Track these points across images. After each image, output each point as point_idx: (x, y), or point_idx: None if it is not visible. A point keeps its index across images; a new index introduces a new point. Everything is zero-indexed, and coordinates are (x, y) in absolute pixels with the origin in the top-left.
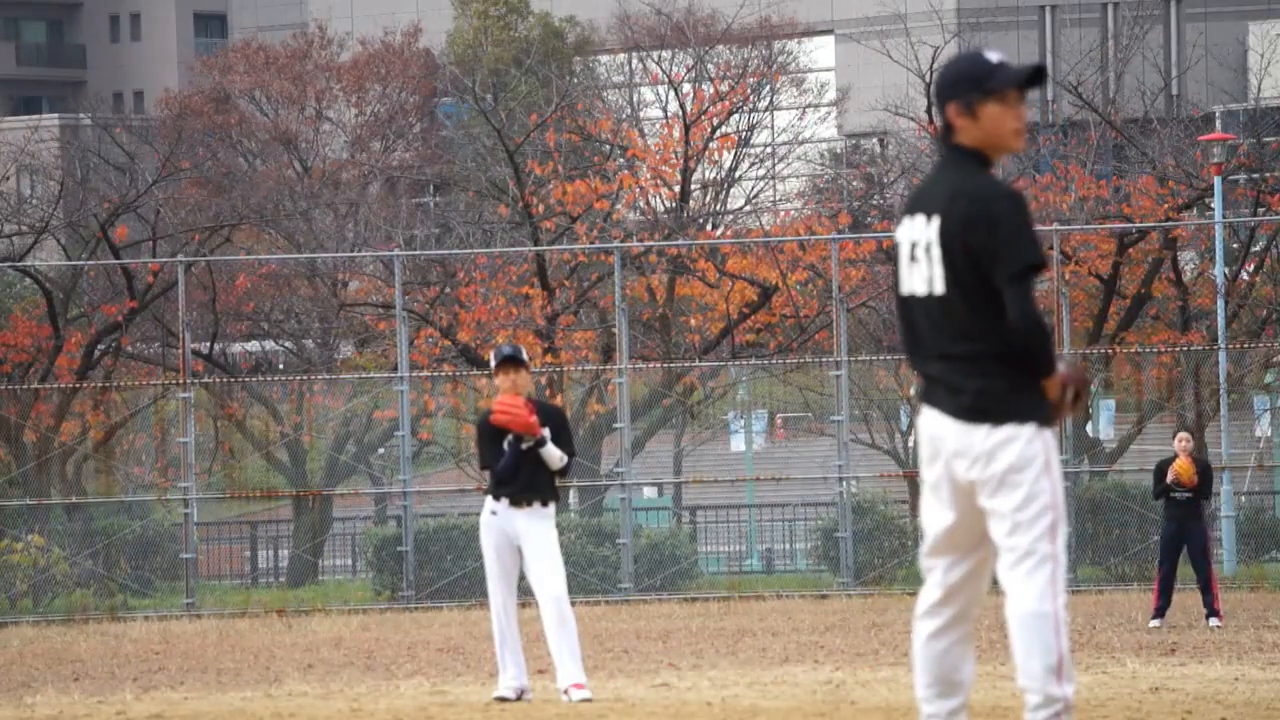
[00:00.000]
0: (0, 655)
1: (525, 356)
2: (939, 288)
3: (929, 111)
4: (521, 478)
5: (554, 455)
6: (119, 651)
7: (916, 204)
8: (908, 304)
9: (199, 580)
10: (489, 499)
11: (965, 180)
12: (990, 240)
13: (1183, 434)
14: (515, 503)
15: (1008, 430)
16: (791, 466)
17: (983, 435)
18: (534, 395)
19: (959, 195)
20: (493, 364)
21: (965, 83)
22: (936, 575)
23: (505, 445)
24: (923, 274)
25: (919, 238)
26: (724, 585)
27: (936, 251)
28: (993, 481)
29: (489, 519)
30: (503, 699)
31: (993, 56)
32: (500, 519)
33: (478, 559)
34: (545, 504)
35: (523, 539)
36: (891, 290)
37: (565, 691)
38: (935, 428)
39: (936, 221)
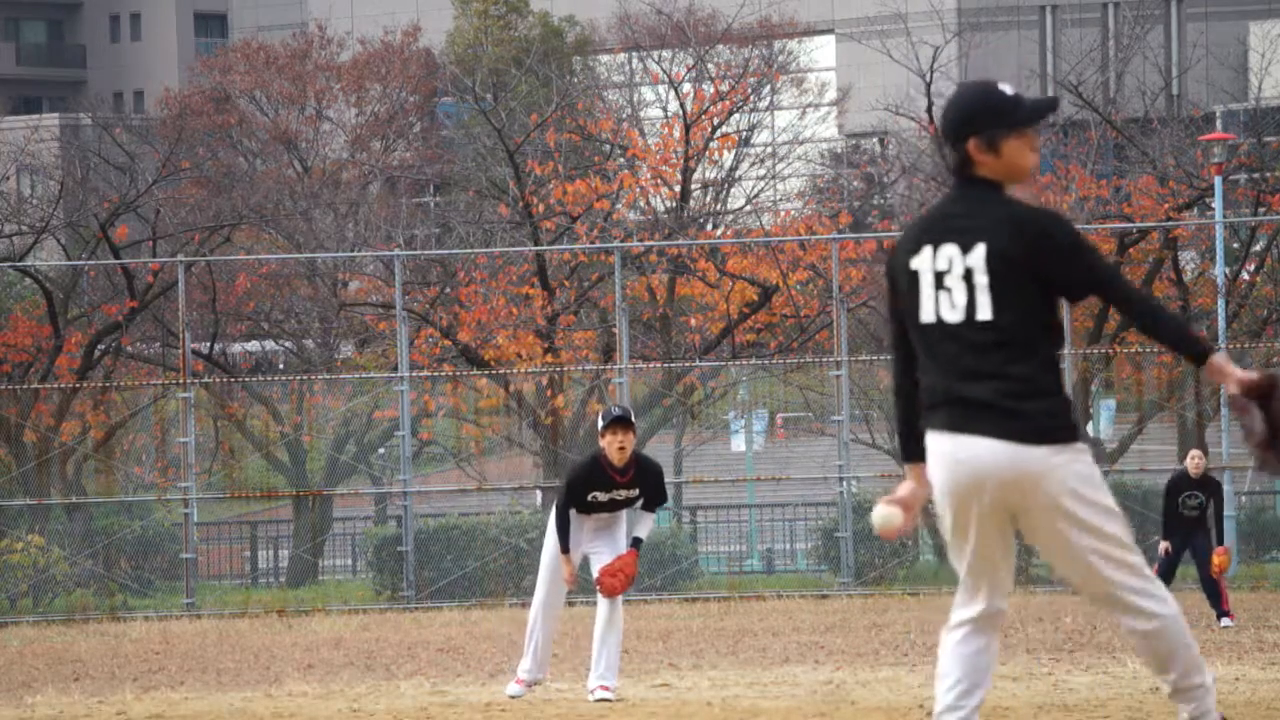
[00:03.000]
0: (0, 655)
1: (633, 418)
2: (985, 313)
3: (929, 111)
4: (599, 511)
5: (648, 526)
6: (119, 651)
7: (939, 234)
8: (931, 330)
9: (199, 580)
10: (558, 510)
11: (1009, 207)
12: (1066, 258)
13: (1195, 452)
14: (585, 513)
15: (1074, 449)
16: (792, 466)
17: (1043, 455)
18: (638, 453)
19: (1013, 221)
20: (601, 424)
21: (986, 117)
22: (979, 595)
23: (589, 498)
24: (958, 301)
25: (949, 266)
26: (724, 585)
27: (983, 278)
28: (1066, 500)
29: (558, 522)
30: (514, 695)
31: (1008, 89)
32: (573, 524)
33: (478, 559)
34: (615, 512)
35: (591, 542)
36: (892, 316)
37: (592, 690)
38: (981, 453)
39: (981, 249)
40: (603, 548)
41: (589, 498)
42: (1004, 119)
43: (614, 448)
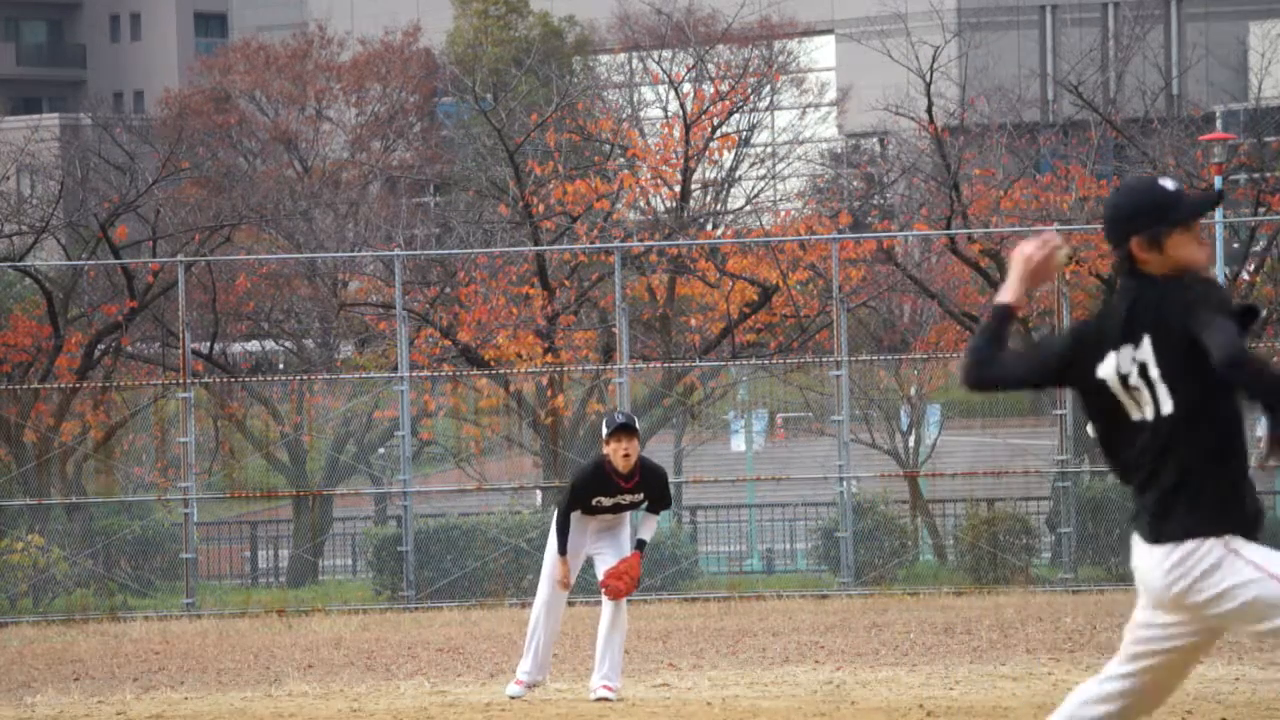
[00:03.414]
0: (0, 655)
1: (637, 424)
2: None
3: (929, 111)
4: (602, 513)
5: (652, 528)
6: (119, 651)
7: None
8: None
9: (199, 580)
10: (560, 513)
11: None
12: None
13: None
14: (588, 513)
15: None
16: (792, 466)
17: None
18: (643, 458)
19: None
20: (605, 430)
21: (1147, 216)
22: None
23: (592, 502)
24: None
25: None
26: (724, 585)
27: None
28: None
29: (556, 530)
30: (514, 696)
31: (1169, 185)
32: (573, 526)
33: (478, 559)
34: (616, 513)
35: (595, 544)
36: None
37: (594, 690)
38: None
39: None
40: (606, 549)
41: (593, 502)
42: (1166, 215)
43: (619, 455)
